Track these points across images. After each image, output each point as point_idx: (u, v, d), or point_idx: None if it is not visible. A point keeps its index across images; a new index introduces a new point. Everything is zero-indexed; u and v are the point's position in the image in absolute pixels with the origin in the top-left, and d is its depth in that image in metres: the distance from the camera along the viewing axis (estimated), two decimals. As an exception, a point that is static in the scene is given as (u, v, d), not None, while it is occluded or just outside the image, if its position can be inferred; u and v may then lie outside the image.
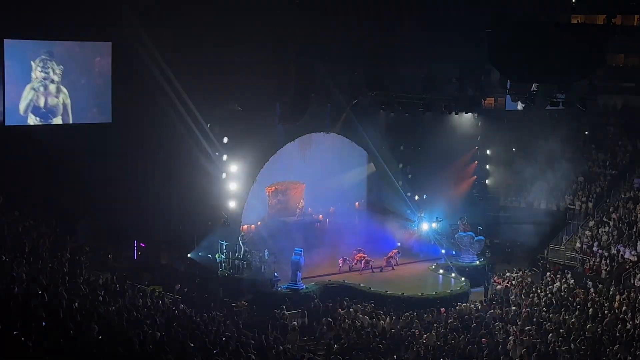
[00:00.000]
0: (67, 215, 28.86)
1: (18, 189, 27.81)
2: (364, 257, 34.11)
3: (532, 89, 31.79)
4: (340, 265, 33.68)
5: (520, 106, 34.49)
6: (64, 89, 29.17)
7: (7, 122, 28.01)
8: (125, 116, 29.88)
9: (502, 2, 28.08)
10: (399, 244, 36.04)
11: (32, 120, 28.61)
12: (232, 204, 32.40)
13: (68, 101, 29.32)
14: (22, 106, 28.48)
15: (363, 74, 31.22)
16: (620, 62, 39.65)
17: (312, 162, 36.99)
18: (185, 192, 31.01)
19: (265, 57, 30.22)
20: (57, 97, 29.15)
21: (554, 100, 30.93)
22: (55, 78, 28.98)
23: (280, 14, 29.37)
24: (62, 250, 26.37)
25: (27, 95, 28.61)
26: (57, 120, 29.12)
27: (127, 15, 28.45)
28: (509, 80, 32.32)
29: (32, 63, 28.49)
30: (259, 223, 36.51)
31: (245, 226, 35.00)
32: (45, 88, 28.90)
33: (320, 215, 39.21)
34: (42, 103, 28.82)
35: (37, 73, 28.59)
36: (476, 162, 39.58)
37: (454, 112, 32.97)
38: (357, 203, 40.04)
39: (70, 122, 29.26)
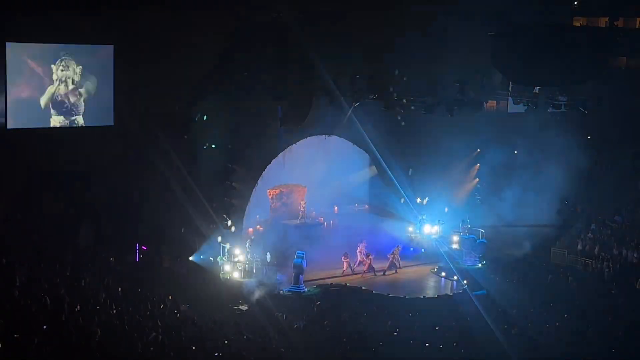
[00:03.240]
0: (68, 219, 28.85)
1: (20, 192, 27.82)
2: (365, 256, 33.97)
3: (534, 91, 31.84)
4: (344, 268, 33.64)
5: (522, 109, 34.45)
6: (68, 90, 29.26)
7: (10, 126, 28.01)
8: (127, 119, 29.89)
9: (504, 6, 28.11)
10: (399, 245, 35.91)
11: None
12: (234, 207, 32.38)
13: (74, 104, 29.43)
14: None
15: (365, 77, 31.22)
16: (623, 64, 39.61)
17: (313, 165, 36.98)
18: (187, 195, 31.01)
19: (267, 59, 30.25)
20: (63, 100, 29.26)
21: (556, 102, 30.96)
22: (59, 80, 29.04)
23: (283, 17, 29.40)
24: (64, 254, 26.38)
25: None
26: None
27: (130, 19, 28.47)
28: (511, 83, 32.38)
29: (33, 65, 28.51)
30: (258, 226, 36.50)
31: (251, 229, 35.09)
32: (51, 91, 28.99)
33: (321, 218, 39.24)
34: (48, 107, 28.97)
35: (42, 76, 28.66)
36: (478, 164, 39.56)
37: (456, 115, 32.91)
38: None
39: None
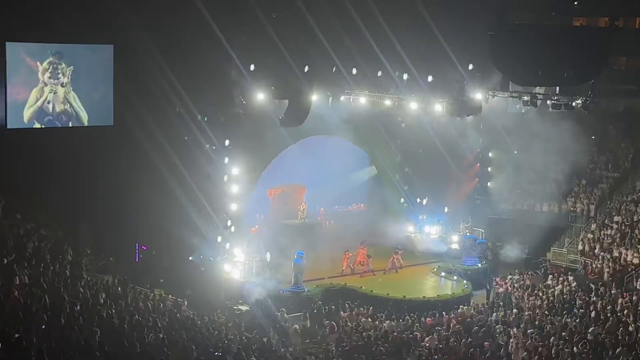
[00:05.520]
0: (68, 218, 28.84)
1: (19, 192, 27.80)
2: (365, 259, 34.01)
3: (534, 91, 31.83)
4: (344, 267, 33.65)
5: (522, 109, 34.45)
6: (71, 92, 29.22)
7: (10, 125, 27.99)
8: (126, 119, 29.89)
9: (504, 5, 28.11)
10: (400, 249, 35.89)
11: (38, 125, 28.63)
12: (233, 207, 32.37)
13: (76, 104, 29.37)
14: (28, 112, 28.47)
15: (365, 77, 31.22)
16: (622, 64, 39.62)
17: (313, 165, 36.97)
18: (186, 195, 31.00)
19: (267, 59, 30.22)
20: (64, 101, 29.20)
21: (556, 102, 30.94)
22: (64, 81, 29.01)
23: (281, 16, 29.39)
24: (63, 253, 26.37)
25: (33, 100, 28.58)
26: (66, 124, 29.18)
27: (130, 18, 28.45)
28: (510, 83, 32.36)
29: (36, 66, 28.47)
30: (257, 227, 36.49)
31: (253, 228, 35.15)
32: (53, 92, 28.91)
33: (320, 218, 39.25)
34: (49, 108, 28.86)
35: (41, 77, 28.58)
36: (478, 164, 39.56)
37: (455, 115, 32.90)
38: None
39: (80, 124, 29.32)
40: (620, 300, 28.46)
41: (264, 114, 31.75)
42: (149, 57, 29.07)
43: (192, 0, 29.18)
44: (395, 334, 25.28)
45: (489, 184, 39.82)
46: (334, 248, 34.24)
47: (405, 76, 32.07)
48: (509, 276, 33.22)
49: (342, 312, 28.02)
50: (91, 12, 27.69)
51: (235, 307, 28.45)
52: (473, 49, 31.36)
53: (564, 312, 27.35)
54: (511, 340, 24.29)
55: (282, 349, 22.39)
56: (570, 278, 32.01)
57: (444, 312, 28.16)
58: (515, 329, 25.41)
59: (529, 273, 33.81)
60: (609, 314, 26.87)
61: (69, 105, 29.40)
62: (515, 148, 39.09)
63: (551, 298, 29.51)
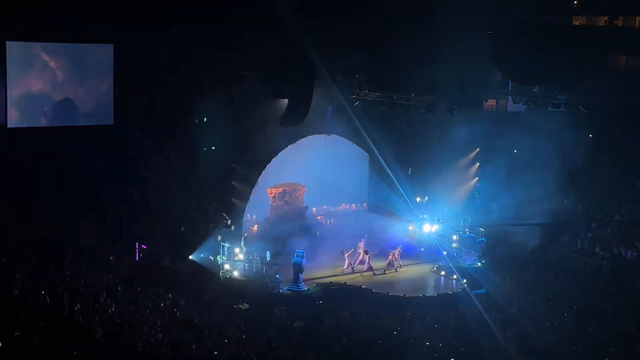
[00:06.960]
0: (68, 217, 28.87)
1: (20, 191, 27.83)
2: (367, 254, 33.99)
3: (534, 90, 31.86)
4: (345, 267, 33.65)
5: (522, 108, 34.46)
6: (68, 91, 29.24)
7: (10, 125, 28.02)
8: (127, 118, 29.92)
9: (504, 4, 28.11)
10: (400, 246, 35.92)
11: (41, 122, 28.75)
12: (234, 206, 32.44)
13: (73, 104, 29.43)
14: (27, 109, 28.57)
15: (365, 76, 31.26)
16: (622, 63, 39.56)
17: (313, 164, 36.99)
18: (186, 194, 31.03)
19: (267, 59, 30.25)
20: (62, 100, 29.24)
21: (556, 102, 30.97)
22: (60, 80, 29.04)
23: (282, 16, 29.39)
24: (63, 252, 26.40)
25: (32, 99, 28.64)
26: (63, 122, 29.26)
27: (130, 17, 28.47)
28: (510, 82, 32.39)
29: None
30: (256, 226, 36.51)
31: (253, 228, 35.15)
32: (51, 90, 28.97)
33: (320, 217, 39.25)
34: (49, 106, 28.90)
35: (42, 75, 28.61)
36: (478, 163, 39.56)
37: (455, 114, 32.92)
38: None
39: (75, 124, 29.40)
40: (619, 299, 28.53)
41: (264, 113, 31.84)
42: (149, 57, 29.09)
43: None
44: (395, 332, 25.31)
45: (488, 182, 39.81)
46: (334, 247, 34.24)
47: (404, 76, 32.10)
48: (508, 275, 33.11)
49: (342, 311, 28.03)
50: (91, 12, 27.70)
51: (235, 307, 28.48)
52: (473, 48, 31.35)
53: (564, 310, 27.39)
54: (511, 338, 24.30)
55: (282, 349, 22.40)
56: (570, 277, 31.96)
57: (443, 311, 28.18)
58: (515, 328, 25.43)
59: (528, 272, 33.72)
60: (608, 313, 26.97)
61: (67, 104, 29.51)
62: (515, 147, 39.10)
63: (551, 296, 29.52)
